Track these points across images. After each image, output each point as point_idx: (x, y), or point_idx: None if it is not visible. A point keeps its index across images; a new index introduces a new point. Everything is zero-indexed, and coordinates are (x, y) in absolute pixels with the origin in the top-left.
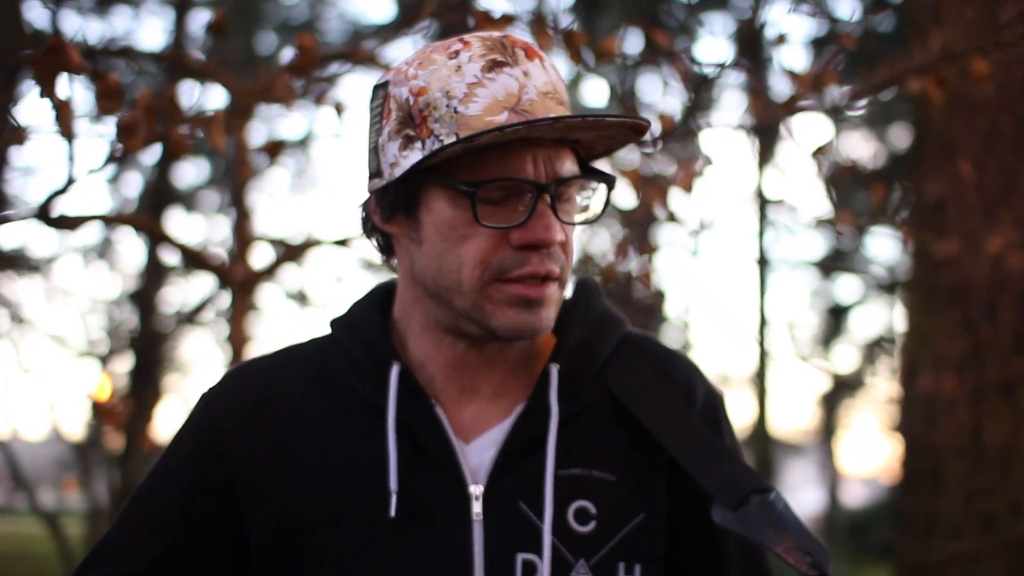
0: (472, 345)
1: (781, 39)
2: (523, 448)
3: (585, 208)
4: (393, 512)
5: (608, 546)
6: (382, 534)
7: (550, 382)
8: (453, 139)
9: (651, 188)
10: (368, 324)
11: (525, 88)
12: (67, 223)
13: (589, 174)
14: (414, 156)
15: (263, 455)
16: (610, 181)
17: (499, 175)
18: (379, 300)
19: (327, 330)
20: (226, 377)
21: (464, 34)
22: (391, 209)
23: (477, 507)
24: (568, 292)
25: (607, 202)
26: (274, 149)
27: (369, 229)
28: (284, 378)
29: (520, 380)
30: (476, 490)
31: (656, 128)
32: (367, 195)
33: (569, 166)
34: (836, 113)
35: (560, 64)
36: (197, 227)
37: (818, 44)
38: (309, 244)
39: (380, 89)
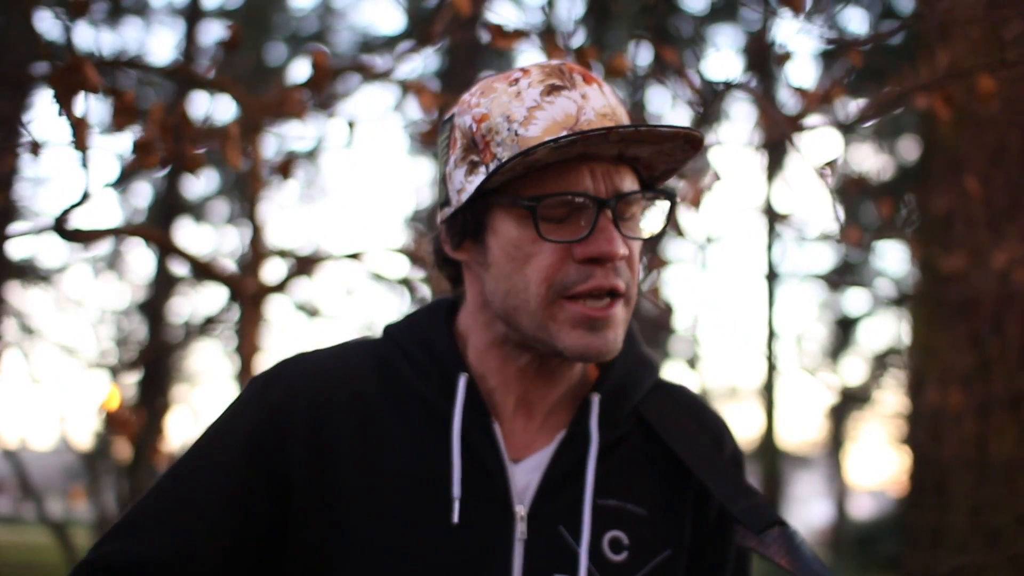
0: (536, 359)
1: (787, 56)
2: (565, 474)
3: (643, 226)
4: (456, 519)
5: None
6: (432, 538)
7: (591, 410)
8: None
9: None
10: (436, 333)
11: (583, 110)
12: (82, 237)
13: (645, 191)
14: (478, 180)
15: (322, 445)
16: (671, 197)
17: (560, 191)
18: (444, 313)
19: (374, 336)
20: (284, 365)
21: (525, 64)
22: (460, 236)
23: (522, 527)
24: None
25: (669, 218)
26: (287, 165)
27: (440, 261)
28: (346, 372)
29: (567, 407)
30: (521, 511)
31: None
32: (438, 226)
33: (629, 184)
34: (844, 129)
35: None
36: (206, 238)
37: (828, 56)
38: (322, 258)
39: (447, 123)
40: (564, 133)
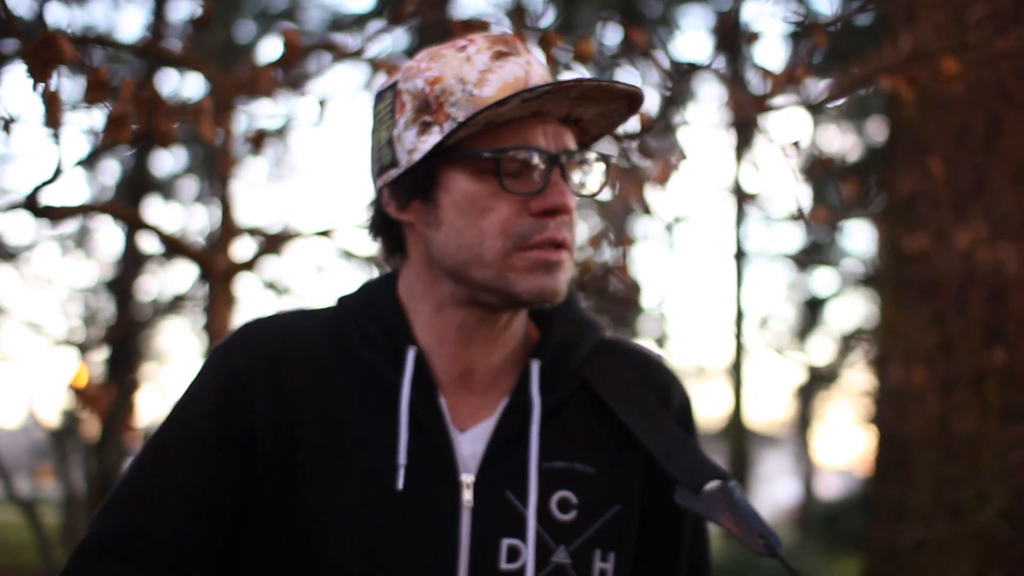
0: (483, 319)
1: (755, 37)
2: (510, 440)
3: (583, 185)
4: (400, 485)
5: (586, 534)
6: (380, 505)
7: (531, 376)
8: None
9: (628, 181)
10: (385, 304)
11: (530, 74)
12: (54, 214)
13: (589, 152)
14: (433, 139)
15: (281, 410)
16: (607, 159)
17: (518, 145)
18: (392, 285)
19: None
20: (242, 331)
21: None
22: (408, 196)
23: (468, 495)
24: None
25: (606, 179)
26: (258, 139)
27: (378, 227)
28: (301, 336)
29: (510, 375)
30: (467, 479)
31: (634, 124)
32: (377, 191)
33: (572, 144)
34: (811, 109)
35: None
36: (175, 215)
37: (796, 37)
38: (291, 235)
39: (387, 91)
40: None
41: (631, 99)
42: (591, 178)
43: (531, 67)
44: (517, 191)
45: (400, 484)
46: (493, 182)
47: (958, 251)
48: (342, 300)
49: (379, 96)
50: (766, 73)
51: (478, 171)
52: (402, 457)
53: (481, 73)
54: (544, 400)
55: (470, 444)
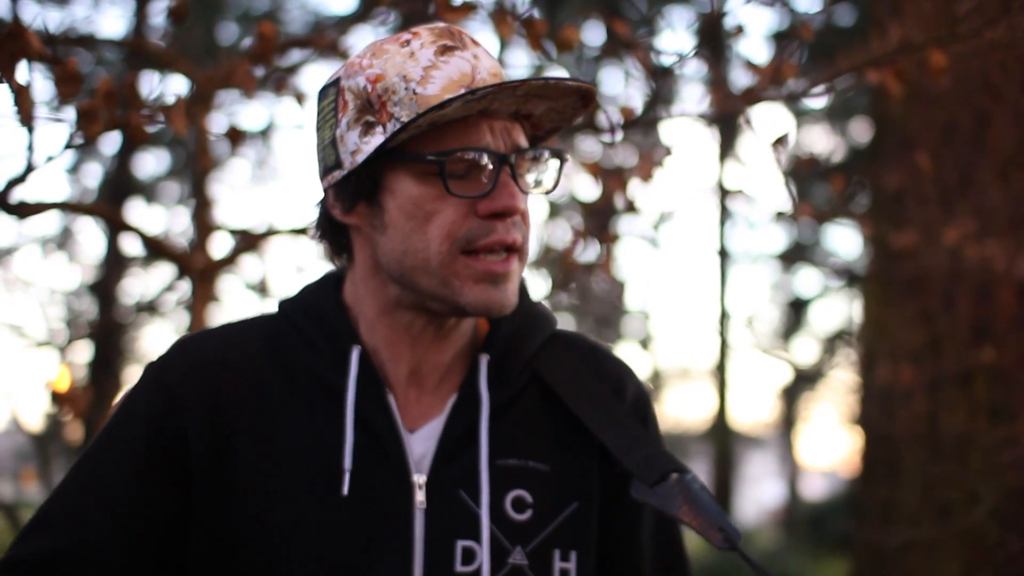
0: (430, 322)
1: (740, 30)
2: (460, 438)
3: (538, 184)
4: (346, 490)
5: (544, 533)
6: (329, 512)
7: (479, 371)
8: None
9: (611, 179)
10: (326, 306)
11: (477, 69)
12: (27, 210)
13: (542, 148)
14: (376, 140)
15: (218, 425)
16: (561, 155)
17: (463, 146)
18: (334, 285)
19: (273, 310)
20: (176, 346)
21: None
22: (353, 198)
23: (420, 496)
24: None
25: (559, 176)
26: (235, 136)
27: (324, 228)
28: (237, 349)
29: (459, 372)
30: (419, 479)
31: (617, 119)
32: (323, 192)
33: (523, 140)
34: (795, 101)
35: (520, 53)
36: (157, 218)
37: (780, 37)
38: (268, 233)
39: (331, 88)
40: (462, 91)
41: (583, 94)
42: (546, 175)
43: (478, 61)
44: (463, 194)
45: (345, 489)
46: (438, 185)
47: (945, 248)
48: (282, 305)
49: (322, 93)
50: (751, 66)
51: (422, 174)
52: (347, 461)
53: (425, 70)
54: (493, 395)
55: (421, 444)
